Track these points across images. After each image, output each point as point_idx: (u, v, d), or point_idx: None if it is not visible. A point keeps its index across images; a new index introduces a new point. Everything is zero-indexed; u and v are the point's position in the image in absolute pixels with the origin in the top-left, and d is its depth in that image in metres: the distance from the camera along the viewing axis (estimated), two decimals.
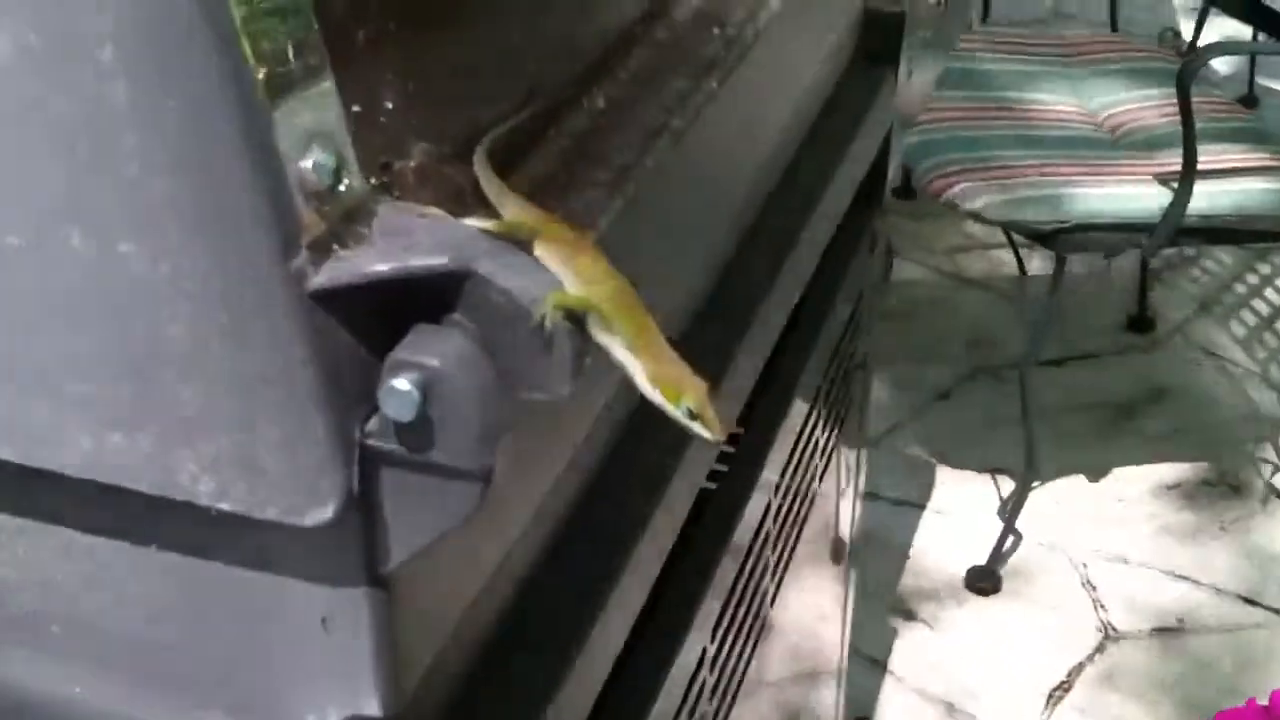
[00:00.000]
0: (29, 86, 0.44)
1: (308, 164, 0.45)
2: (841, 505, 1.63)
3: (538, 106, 0.60)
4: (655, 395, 0.51)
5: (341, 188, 0.47)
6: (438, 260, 0.48)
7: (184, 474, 0.50)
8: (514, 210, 0.52)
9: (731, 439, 1.13)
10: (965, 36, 2.44)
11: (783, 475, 1.17)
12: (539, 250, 0.51)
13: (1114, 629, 2.14)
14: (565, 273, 0.50)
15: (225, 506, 0.50)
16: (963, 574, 2.23)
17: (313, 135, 0.45)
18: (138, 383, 0.48)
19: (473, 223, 0.50)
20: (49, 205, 0.46)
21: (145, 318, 0.47)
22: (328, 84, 0.46)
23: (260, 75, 0.43)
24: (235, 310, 0.46)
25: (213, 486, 0.50)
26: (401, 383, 0.47)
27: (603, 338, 0.50)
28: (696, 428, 0.52)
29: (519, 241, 0.50)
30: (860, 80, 1.31)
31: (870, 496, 2.39)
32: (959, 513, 2.37)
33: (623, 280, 0.51)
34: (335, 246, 0.47)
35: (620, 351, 0.50)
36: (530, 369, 0.49)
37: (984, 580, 2.22)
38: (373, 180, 0.49)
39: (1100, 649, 2.12)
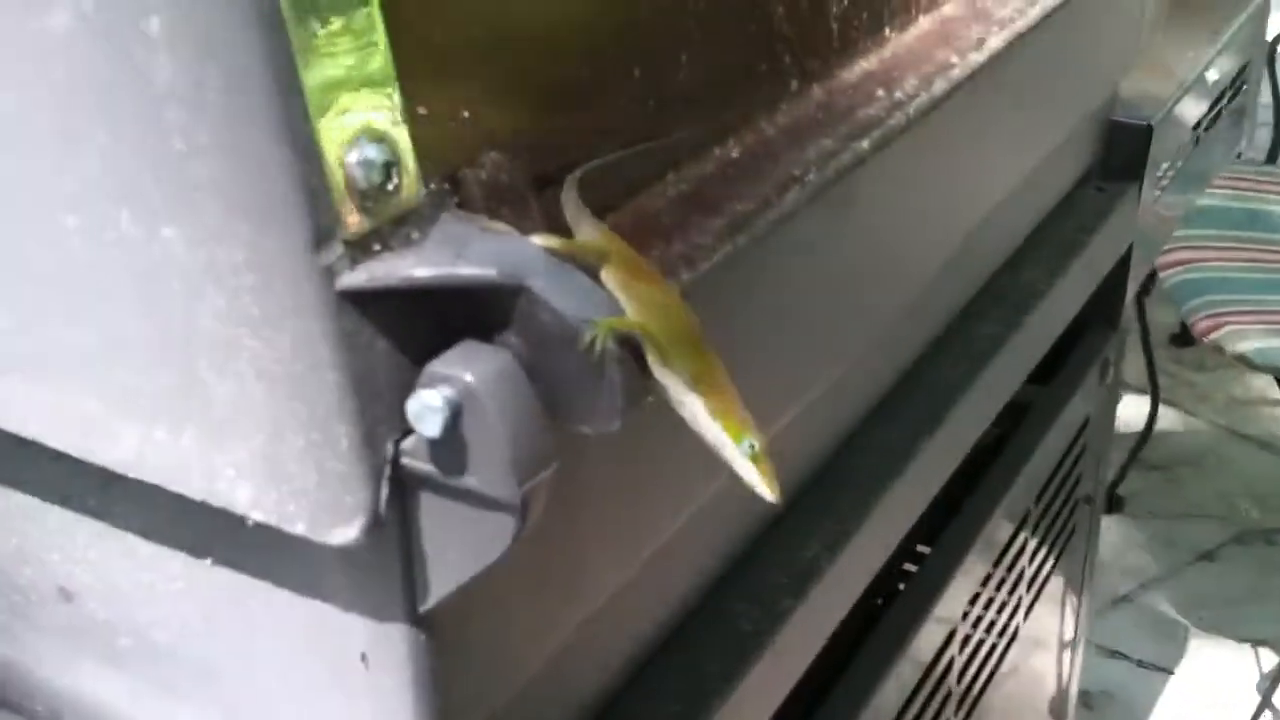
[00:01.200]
0: (86, 58, 0.43)
1: (354, 158, 0.43)
2: (1066, 655, 1.52)
3: (656, 146, 0.57)
4: (714, 429, 0.46)
5: (390, 187, 0.44)
6: (486, 272, 0.45)
7: (222, 478, 0.48)
8: (586, 233, 0.49)
9: (914, 555, 1.06)
10: (1237, 173, 2.31)
11: (973, 602, 1.09)
12: (605, 275, 0.47)
13: None
14: (627, 300, 0.46)
15: (259, 516, 0.48)
16: None
17: (364, 130, 0.43)
18: (177, 375, 0.47)
19: (537, 240, 0.47)
20: (103, 183, 0.45)
21: (184, 306, 0.45)
22: (386, 79, 0.44)
23: (304, 60, 0.42)
24: (266, 304, 0.44)
25: (248, 494, 0.48)
26: (430, 395, 0.44)
27: (661, 372, 0.46)
28: (756, 477, 0.47)
29: (585, 265, 0.47)
30: (1096, 194, 1.24)
31: (1112, 654, 2.25)
32: (1210, 683, 2.19)
33: (688, 313, 0.47)
34: (377, 247, 0.44)
35: (679, 388, 0.46)
36: (578, 397, 0.45)
37: None
38: (432, 186, 0.46)
39: None
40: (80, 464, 0.52)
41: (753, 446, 0.46)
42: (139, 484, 0.51)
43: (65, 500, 0.57)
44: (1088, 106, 1.11)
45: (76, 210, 0.46)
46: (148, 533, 0.55)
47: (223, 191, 0.43)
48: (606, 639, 0.67)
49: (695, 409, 0.46)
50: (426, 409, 0.44)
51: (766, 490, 0.47)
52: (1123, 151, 1.27)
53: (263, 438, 0.46)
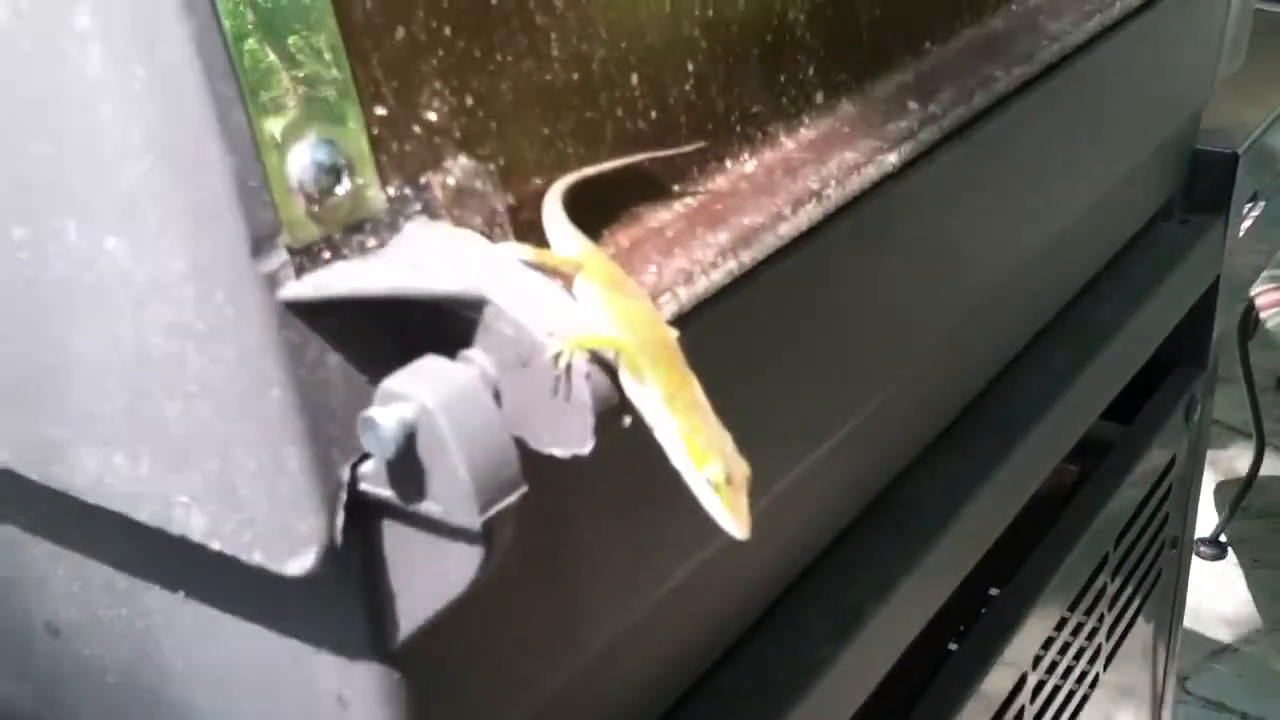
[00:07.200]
0: (23, 55, 0.41)
1: (300, 159, 0.40)
2: (1157, 707, 1.45)
3: (655, 157, 0.53)
4: (679, 452, 0.42)
5: (341, 191, 0.41)
6: (445, 283, 0.42)
7: (178, 505, 0.45)
8: (564, 243, 0.46)
9: (983, 596, 1.01)
10: None
11: (1047, 646, 1.03)
12: (578, 287, 0.44)
13: None
14: (600, 313, 0.43)
15: (216, 545, 0.45)
16: None
17: (311, 126, 0.41)
18: (130, 396, 0.44)
19: (505, 249, 0.44)
20: (45, 191, 0.43)
21: (131, 323, 0.43)
22: (337, 72, 0.41)
23: (241, 45, 0.39)
24: (208, 317, 0.41)
25: (204, 521, 0.45)
26: (380, 414, 0.40)
27: (635, 390, 0.42)
28: (718, 508, 0.43)
29: (561, 277, 0.44)
30: (1178, 226, 1.19)
31: (1215, 706, 2.15)
32: None
33: (665, 330, 0.44)
34: (327, 255, 0.41)
35: (651, 407, 0.42)
36: (546, 418, 0.42)
37: None
38: (392, 191, 0.43)
39: None
40: (57, 493, 0.50)
41: (714, 474, 0.42)
42: (110, 513, 0.48)
43: (46, 531, 0.55)
44: (1162, 130, 1.06)
45: (24, 222, 0.44)
46: (123, 564, 0.53)
47: (158, 194, 0.40)
48: (622, 680, 0.63)
49: (666, 430, 0.42)
50: (376, 429, 0.40)
51: (731, 523, 0.43)
52: (1207, 182, 1.21)
53: (215, 461, 0.43)
